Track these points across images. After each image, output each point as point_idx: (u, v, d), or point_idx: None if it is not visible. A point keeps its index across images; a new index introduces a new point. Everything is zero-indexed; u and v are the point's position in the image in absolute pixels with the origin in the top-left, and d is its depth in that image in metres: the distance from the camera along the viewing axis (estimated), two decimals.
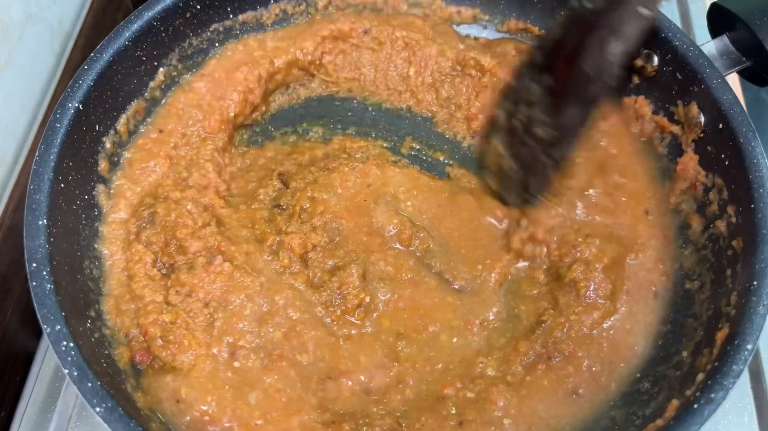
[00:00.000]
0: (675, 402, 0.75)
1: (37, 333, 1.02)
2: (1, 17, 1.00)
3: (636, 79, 1.02)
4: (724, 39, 0.96)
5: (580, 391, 0.85)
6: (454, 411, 0.84)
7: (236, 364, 0.84)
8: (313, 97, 1.14)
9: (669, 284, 0.93)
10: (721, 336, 0.78)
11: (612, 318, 0.90)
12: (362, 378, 0.87)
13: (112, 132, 0.96)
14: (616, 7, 0.86)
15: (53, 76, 1.13)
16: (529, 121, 0.94)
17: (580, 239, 0.94)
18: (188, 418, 0.80)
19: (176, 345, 0.83)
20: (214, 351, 0.84)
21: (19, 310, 1.01)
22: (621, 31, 0.87)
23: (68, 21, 1.19)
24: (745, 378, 0.96)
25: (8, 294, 1.00)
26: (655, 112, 1.00)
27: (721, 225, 0.89)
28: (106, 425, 0.69)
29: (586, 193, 0.99)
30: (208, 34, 1.06)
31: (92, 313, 0.84)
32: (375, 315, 0.91)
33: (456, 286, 0.95)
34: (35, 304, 0.75)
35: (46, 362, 0.97)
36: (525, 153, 0.97)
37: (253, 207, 0.98)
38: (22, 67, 1.05)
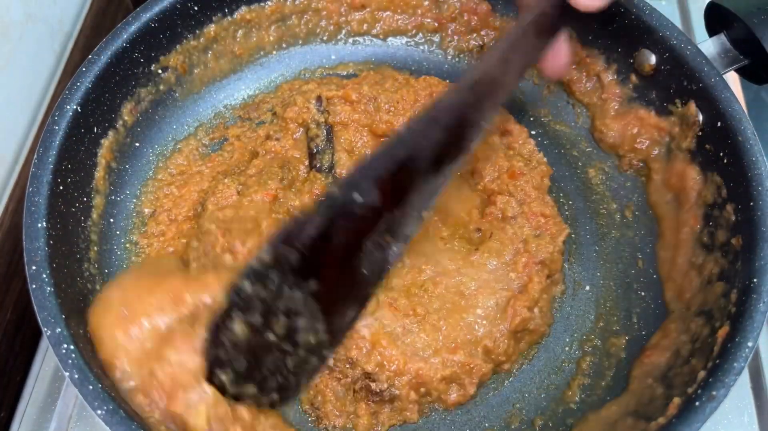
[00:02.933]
0: (677, 400, 0.75)
1: (37, 333, 1.02)
2: (1, 17, 1.00)
3: (634, 78, 1.02)
4: (722, 37, 0.96)
5: None
6: None
7: None
8: None
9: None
10: (721, 333, 0.78)
11: None
12: None
13: (111, 134, 0.96)
14: (396, 206, 0.78)
15: (53, 76, 1.13)
16: (291, 331, 0.77)
17: None
18: None
19: None
20: None
21: (19, 310, 1.01)
22: (400, 234, 0.80)
23: (68, 21, 1.19)
24: (745, 378, 0.96)
25: (8, 295, 1.00)
26: (658, 114, 1.01)
27: (721, 223, 0.89)
28: (106, 426, 0.69)
29: None
30: (206, 35, 1.06)
31: None
32: None
33: None
34: (35, 307, 0.75)
35: (46, 362, 0.97)
36: (274, 361, 0.78)
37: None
38: (22, 67, 1.05)
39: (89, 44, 1.18)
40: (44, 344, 1.01)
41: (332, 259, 0.77)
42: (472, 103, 0.84)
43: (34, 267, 0.77)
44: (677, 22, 1.31)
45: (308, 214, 0.79)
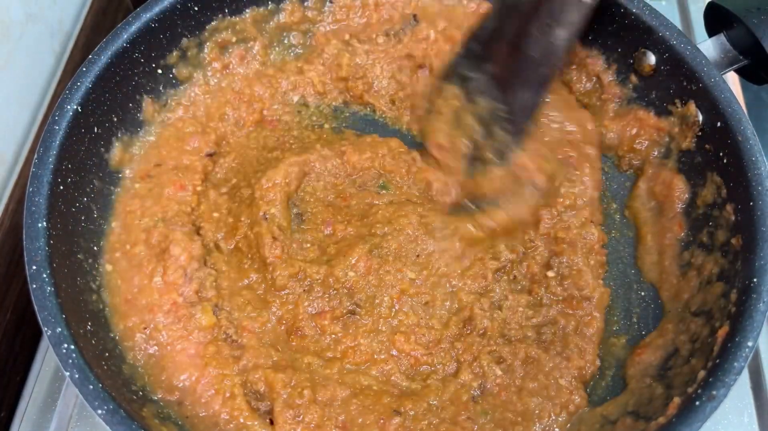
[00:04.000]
0: (677, 400, 0.75)
1: (38, 333, 1.02)
2: (1, 17, 1.00)
3: (634, 79, 1.02)
4: (721, 38, 0.96)
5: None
6: None
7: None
8: None
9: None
10: (721, 333, 0.78)
11: None
12: None
13: (111, 134, 0.96)
14: None
15: (53, 76, 1.13)
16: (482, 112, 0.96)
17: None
18: None
19: None
20: None
21: (19, 310, 1.01)
22: (563, 19, 0.90)
23: (68, 21, 1.19)
24: (745, 378, 0.96)
25: (8, 295, 1.00)
26: (657, 114, 1.01)
27: (721, 223, 0.89)
28: (106, 426, 0.69)
29: None
30: (206, 35, 1.06)
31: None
32: None
33: None
34: (36, 307, 0.75)
35: (46, 362, 0.97)
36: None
37: None
38: (22, 67, 1.05)
39: (89, 44, 1.18)
40: (44, 344, 1.01)
41: (502, 44, 0.96)
42: None
43: (34, 267, 0.77)
44: (677, 22, 1.31)
45: (486, 15, 1.02)
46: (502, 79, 0.96)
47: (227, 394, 0.82)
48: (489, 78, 0.96)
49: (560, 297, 0.93)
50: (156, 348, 0.85)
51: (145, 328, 0.85)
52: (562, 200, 0.98)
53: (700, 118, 0.93)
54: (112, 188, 0.96)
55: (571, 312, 0.92)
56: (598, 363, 0.90)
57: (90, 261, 0.88)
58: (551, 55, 0.94)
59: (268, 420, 0.82)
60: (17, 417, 0.94)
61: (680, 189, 0.95)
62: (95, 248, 0.90)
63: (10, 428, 0.94)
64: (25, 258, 0.77)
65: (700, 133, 0.94)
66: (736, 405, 0.94)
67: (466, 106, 0.99)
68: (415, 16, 1.12)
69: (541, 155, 0.99)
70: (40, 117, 1.09)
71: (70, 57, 1.16)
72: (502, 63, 0.95)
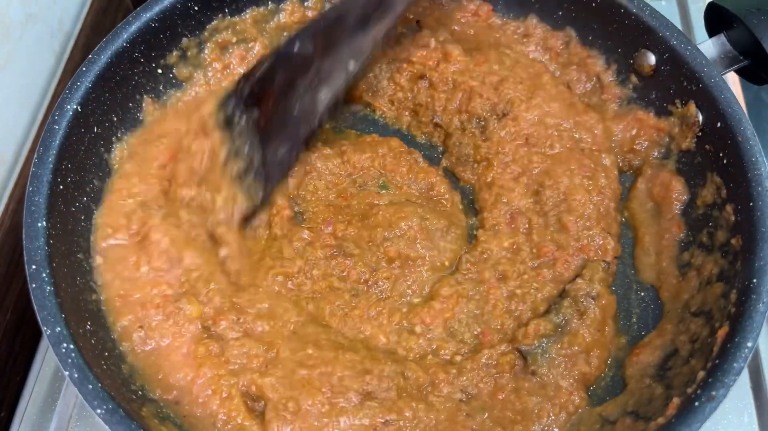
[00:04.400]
0: (676, 400, 0.75)
1: (37, 333, 1.02)
2: (1, 17, 1.00)
3: (634, 79, 1.02)
4: (722, 38, 0.96)
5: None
6: None
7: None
8: None
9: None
10: (721, 334, 0.78)
11: None
12: None
13: (111, 134, 0.96)
14: (327, 55, 0.93)
15: (53, 76, 1.13)
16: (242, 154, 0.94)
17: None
18: None
19: None
20: None
21: (19, 310, 1.01)
22: (330, 79, 0.94)
23: (68, 21, 1.19)
24: (744, 378, 0.96)
25: (8, 295, 1.00)
26: (657, 115, 1.01)
27: (720, 224, 0.89)
28: (106, 426, 0.69)
29: None
30: (206, 35, 1.06)
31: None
32: None
33: None
34: (35, 306, 0.75)
35: (46, 362, 0.97)
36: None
37: None
38: (22, 67, 1.05)
39: (89, 44, 1.18)
40: (44, 344, 1.01)
41: (271, 93, 0.94)
42: None
43: (34, 267, 0.77)
44: (677, 22, 1.31)
45: (262, 58, 0.97)
46: (264, 130, 0.94)
47: (224, 394, 0.82)
48: (253, 124, 0.94)
49: None
50: (152, 346, 0.85)
51: (140, 326, 0.85)
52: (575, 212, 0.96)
53: (700, 118, 0.93)
54: None
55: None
56: (605, 368, 0.89)
57: (89, 260, 0.88)
58: (310, 115, 0.95)
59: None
60: (17, 417, 0.94)
61: (678, 191, 0.95)
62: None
63: (10, 428, 0.94)
64: (25, 258, 0.77)
65: (700, 134, 0.94)
66: (736, 405, 0.94)
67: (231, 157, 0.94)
68: (418, 22, 1.12)
69: None
70: (40, 117, 1.09)
71: (70, 57, 1.16)
72: (266, 112, 0.94)
